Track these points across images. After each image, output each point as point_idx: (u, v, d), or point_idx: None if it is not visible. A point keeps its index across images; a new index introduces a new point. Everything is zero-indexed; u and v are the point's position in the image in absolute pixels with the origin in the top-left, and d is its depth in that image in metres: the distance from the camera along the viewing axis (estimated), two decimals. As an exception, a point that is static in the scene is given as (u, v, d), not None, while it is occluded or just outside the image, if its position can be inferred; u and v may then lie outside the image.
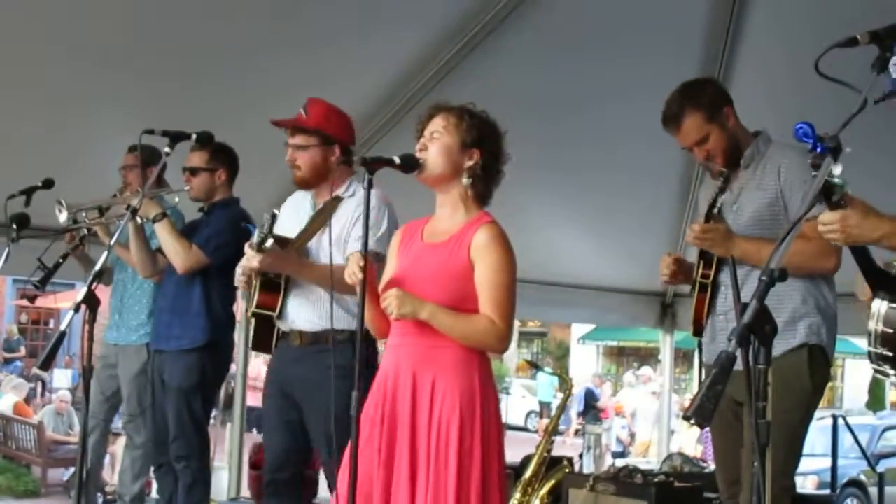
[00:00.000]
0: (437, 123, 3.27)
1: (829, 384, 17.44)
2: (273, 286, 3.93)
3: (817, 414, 3.78)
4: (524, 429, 23.27)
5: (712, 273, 3.75)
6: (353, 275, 3.12)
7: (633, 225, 6.77)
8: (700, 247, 3.67)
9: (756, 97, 5.33)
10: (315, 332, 3.87)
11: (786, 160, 3.58)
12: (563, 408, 5.30)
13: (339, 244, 3.84)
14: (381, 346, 3.60)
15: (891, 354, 2.59)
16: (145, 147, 4.84)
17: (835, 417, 8.69)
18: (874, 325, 2.60)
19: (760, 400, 1.83)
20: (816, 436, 8.49)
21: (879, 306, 2.61)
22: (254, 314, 3.97)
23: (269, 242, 3.63)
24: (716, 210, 3.60)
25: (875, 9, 2.62)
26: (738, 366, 1.87)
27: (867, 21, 2.38)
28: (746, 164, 3.65)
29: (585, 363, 29.43)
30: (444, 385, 3.12)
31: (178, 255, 4.54)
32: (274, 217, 3.63)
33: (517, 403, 24.68)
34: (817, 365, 3.55)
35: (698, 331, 3.88)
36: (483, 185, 3.29)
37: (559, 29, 5.14)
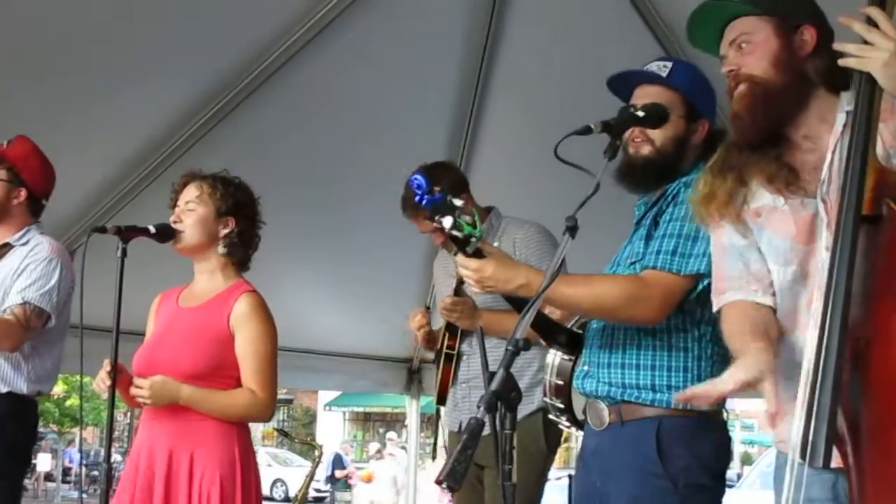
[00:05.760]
0: (191, 193, 3.25)
1: (565, 445, 18.17)
2: None
3: (555, 473, 3.98)
4: (270, 498, 22.89)
5: (457, 344, 3.92)
6: (101, 381, 2.98)
7: (381, 292, 6.87)
8: (449, 319, 3.82)
9: (498, 174, 5.60)
10: None
11: (521, 233, 3.80)
12: (312, 475, 5.29)
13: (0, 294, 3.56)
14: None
15: (563, 406, 2.67)
16: None
17: (570, 477, 9.03)
18: (548, 377, 2.69)
19: (507, 463, 1.92)
20: (555, 495, 8.79)
21: (553, 358, 2.67)
22: None
23: None
24: (464, 285, 3.76)
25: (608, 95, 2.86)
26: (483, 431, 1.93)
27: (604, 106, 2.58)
28: None
29: (332, 429, 29.34)
30: (203, 458, 3.07)
31: None
32: None
33: (264, 472, 24.14)
34: (551, 428, 3.75)
35: (442, 399, 4.03)
36: (240, 252, 3.31)
37: (311, 100, 5.21)
